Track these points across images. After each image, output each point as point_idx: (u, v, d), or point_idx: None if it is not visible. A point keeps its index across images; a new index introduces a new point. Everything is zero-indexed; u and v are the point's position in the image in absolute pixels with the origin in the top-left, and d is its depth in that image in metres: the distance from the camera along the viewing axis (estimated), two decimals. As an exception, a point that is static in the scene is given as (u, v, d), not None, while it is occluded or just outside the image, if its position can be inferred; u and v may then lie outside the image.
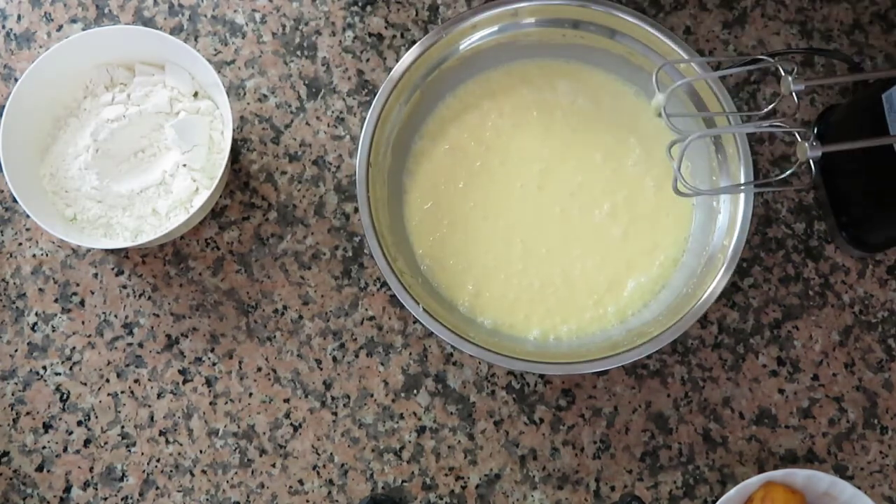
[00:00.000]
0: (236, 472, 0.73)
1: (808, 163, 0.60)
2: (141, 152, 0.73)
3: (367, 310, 0.75)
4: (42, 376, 0.74)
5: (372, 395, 0.74)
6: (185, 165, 0.72)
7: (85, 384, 0.74)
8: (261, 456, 0.73)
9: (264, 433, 0.74)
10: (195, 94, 0.75)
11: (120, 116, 0.72)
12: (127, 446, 0.74)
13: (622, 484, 0.73)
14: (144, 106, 0.73)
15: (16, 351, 0.75)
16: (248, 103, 0.78)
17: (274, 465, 0.73)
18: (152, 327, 0.75)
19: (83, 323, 0.75)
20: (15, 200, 0.76)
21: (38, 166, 0.73)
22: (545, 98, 0.76)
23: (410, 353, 0.75)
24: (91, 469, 0.73)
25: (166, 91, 0.74)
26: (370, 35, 0.80)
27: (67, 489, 0.73)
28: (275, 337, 0.75)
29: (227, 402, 0.74)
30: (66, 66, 0.73)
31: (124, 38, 0.73)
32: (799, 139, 0.61)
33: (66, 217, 0.72)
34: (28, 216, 0.75)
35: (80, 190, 0.72)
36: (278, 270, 0.76)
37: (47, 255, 0.76)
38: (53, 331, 0.75)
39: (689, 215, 0.74)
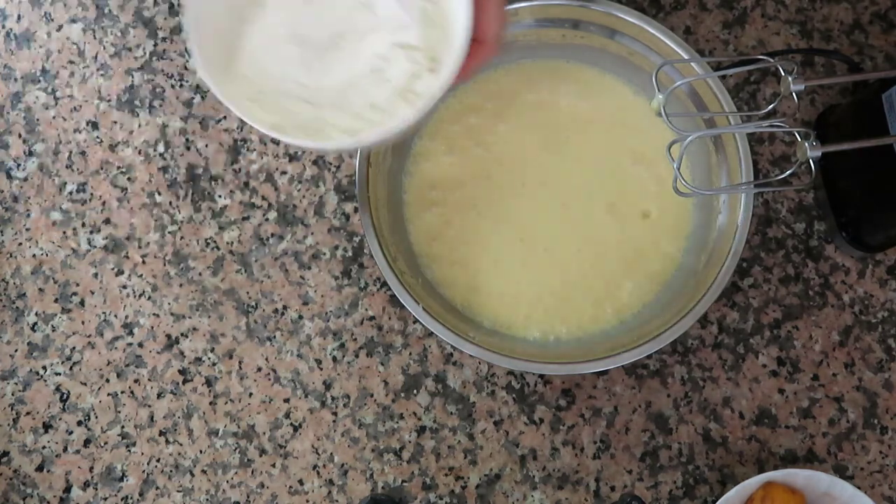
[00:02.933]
0: (236, 472, 0.73)
1: (808, 163, 0.60)
2: (341, 38, 0.59)
3: (367, 310, 0.75)
4: (42, 376, 0.74)
5: (372, 395, 0.74)
6: (399, 44, 0.58)
7: (85, 384, 0.74)
8: (261, 456, 0.73)
9: (264, 433, 0.74)
10: None
11: None
12: (127, 446, 0.74)
13: (622, 484, 0.73)
14: None
15: (16, 351, 0.75)
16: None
17: (274, 465, 0.73)
18: (152, 327, 0.75)
19: (83, 323, 0.75)
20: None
21: (228, 72, 0.58)
22: (545, 98, 0.76)
23: (410, 353, 0.75)
24: (91, 469, 0.73)
25: None
26: (370, 35, 0.80)
27: (67, 489, 0.73)
28: (275, 337, 0.75)
29: (227, 402, 0.74)
30: None
31: None
32: (799, 139, 0.61)
33: (261, 122, 0.56)
34: (29, 215, 0.76)
35: (282, 90, 0.58)
36: (278, 270, 0.76)
37: (47, 255, 0.76)
38: (53, 331, 0.75)
39: (689, 215, 0.74)
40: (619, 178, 0.75)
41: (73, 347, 0.75)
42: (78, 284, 0.76)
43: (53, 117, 0.79)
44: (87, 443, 0.74)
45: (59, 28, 0.80)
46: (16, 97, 0.79)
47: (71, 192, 0.77)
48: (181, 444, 0.74)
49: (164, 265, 0.76)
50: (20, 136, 0.78)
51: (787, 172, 0.63)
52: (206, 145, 0.78)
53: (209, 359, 0.75)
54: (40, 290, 0.76)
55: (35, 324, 0.75)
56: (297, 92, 0.58)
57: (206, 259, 0.76)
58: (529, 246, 0.74)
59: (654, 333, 0.67)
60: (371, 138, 0.55)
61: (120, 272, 0.76)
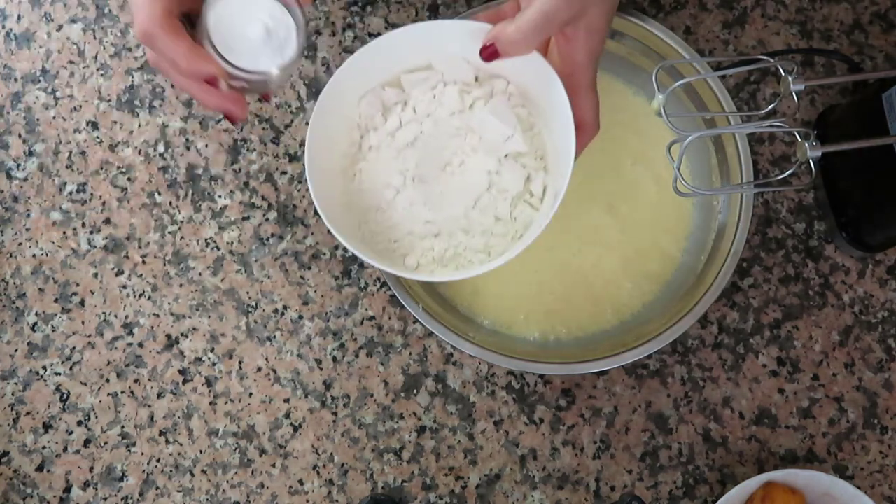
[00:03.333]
0: (236, 472, 0.73)
1: (808, 163, 0.60)
2: (449, 165, 0.62)
3: (367, 310, 0.75)
4: (42, 376, 0.74)
5: (372, 395, 0.74)
6: (506, 155, 0.61)
7: (85, 384, 0.74)
8: (261, 456, 0.73)
9: (264, 433, 0.74)
10: (475, 79, 0.63)
11: (417, 135, 0.62)
12: (127, 446, 0.74)
13: (622, 484, 0.73)
14: (438, 113, 0.62)
15: (16, 351, 0.75)
16: (249, 103, 0.78)
17: (274, 465, 0.73)
18: (152, 327, 0.75)
19: (83, 323, 0.75)
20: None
21: (351, 228, 0.62)
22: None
23: (410, 353, 0.75)
24: (91, 469, 0.73)
25: (453, 87, 0.62)
26: (370, 35, 0.80)
27: (67, 489, 0.73)
28: (275, 337, 0.75)
29: (227, 402, 0.74)
30: (332, 116, 0.61)
31: (378, 55, 0.61)
32: (799, 139, 0.61)
33: (408, 268, 0.61)
34: (29, 215, 0.76)
35: (413, 232, 0.61)
36: (278, 270, 0.76)
37: (47, 255, 0.76)
38: (53, 331, 0.75)
39: (689, 215, 0.74)
40: (619, 178, 0.75)
41: (73, 347, 0.75)
42: (78, 284, 0.76)
43: (53, 117, 0.79)
44: (87, 443, 0.74)
45: (59, 28, 0.80)
46: (16, 97, 0.79)
47: (71, 192, 0.77)
48: (181, 444, 0.74)
49: (164, 265, 0.76)
50: (20, 136, 0.78)
51: (787, 172, 0.63)
52: (206, 145, 0.78)
53: (209, 359, 0.75)
54: (40, 290, 0.76)
55: (35, 324, 0.75)
56: (426, 229, 0.61)
57: (206, 259, 0.76)
58: (530, 245, 0.74)
59: (654, 333, 0.67)
60: (514, 253, 0.57)
61: (120, 272, 0.76)
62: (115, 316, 0.75)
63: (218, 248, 0.76)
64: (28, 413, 0.74)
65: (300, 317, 0.75)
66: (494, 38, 0.56)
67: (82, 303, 0.76)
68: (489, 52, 0.56)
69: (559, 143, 0.59)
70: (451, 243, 0.61)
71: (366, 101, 0.63)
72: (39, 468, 0.73)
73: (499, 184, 0.61)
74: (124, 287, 0.76)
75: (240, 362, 0.75)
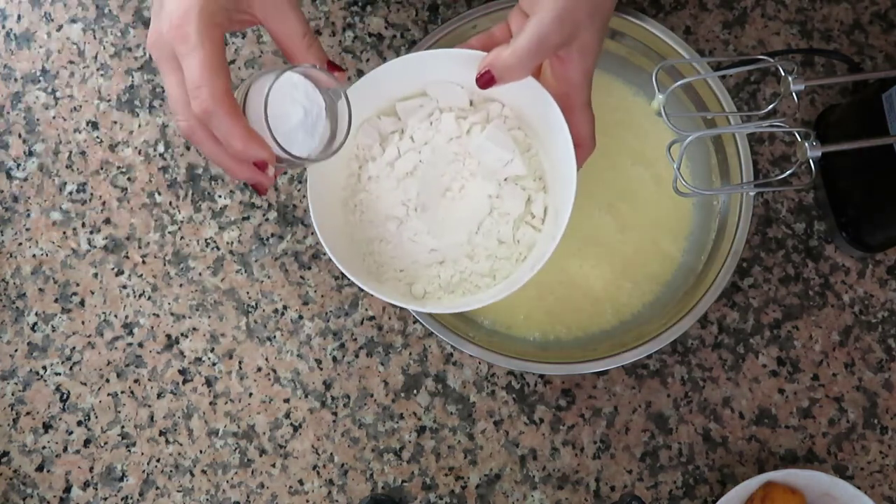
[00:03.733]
0: (236, 472, 0.73)
1: (808, 163, 0.60)
2: (449, 191, 0.62)
3: (367, 310, 0.75)
4: (42, 376, 0.74)
5: (372, 395, 0.74)
6: (505, 179, 0.61)
7: (85, 384, 0.74)
8: (261, 456, 0.73)
9: (264, 433, 0.74)
10: (471, 104, 0.64)
11: (416, 164, 0.62)
12: (127, 446, 0.74)
13: (622, 484, 0.73)
14: (435, 140, 0.62)
15: (16, 351, 0.75)
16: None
17: (274, 465, 0.73)
18: (152, 327, 0.75)
19: (83, 323, 0.75)
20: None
21: (356, 260, 0.62)
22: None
23: (410, 353, 0.75)
24: (91, 469, 0.73)
25: (448, 114, 0.62)
26: (370, 35, 0.80)
27: (67, 489, 0.73)
28: (275, 337, 0.75)
29: (227, 402, 0.74)
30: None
31: (373, 85, 0.61)
32: (799, 139, 0.61)
33: (416, 296, 0.62)
34: (29, 215, 0.76)
35: (418, 261, 0.62)
36: (278, 270, 0.76)
37: (47, 255, 0.76)
38: (53, 331, 0.75)
39: (689, 215, 0.74)
40: (618, 178, 0.75)
41: (73, 347, 0.75)
42: (78, 284, 0.76)
43: (53, 117, 0.79)
44: (87, 443, 0.74)
45: (59, 28, 0.80)
46: (16, 97, 0.79)
47: (71, 192, 0.77)
48: (181, 444, 0.74)
49: (164, 265, 0.76)
50: (20, 136, 0.78)
51: (787, 172, 0.63)
52: (206, 145, 0.78)
53: (209, 359, 0.75)
54: (40, 290, 0.76)
55: (35, 324, 0.75)
56: (431, 257, 0.62)
57: (206, 259, 0.76)
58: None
59: (654, 333, 0.67)
60: (523, 280, 0.58)
61: (120, 272, 0.76)
62: (115, 316, 0.75)
63: (218, 248, 0.76)
64: (28, 413, 0.74)
65: (300, 317, 0.75)
66: (490, 65, 0.56)
67: (82, 303, 0.76)
68: (486, 80, 0.57)
69: (559, 163, 0.59)
70: (457, 269, 0.62)
71: (362, 131, 0.63)
72: (39, 468, 0.73)
73: (500, 207, 0.61)
74: (124, 287, 0.76)
75: (240, 362, 0.75)
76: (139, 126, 0.79)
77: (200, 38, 0.50)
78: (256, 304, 0.75)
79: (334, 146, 0.56)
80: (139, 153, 0.78)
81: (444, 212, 0.62)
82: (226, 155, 0.53)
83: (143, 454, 0.73)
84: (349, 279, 0.72)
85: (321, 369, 0.74)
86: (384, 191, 0.62)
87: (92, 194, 0.77)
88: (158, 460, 0.73)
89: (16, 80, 0.79)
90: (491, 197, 0.61)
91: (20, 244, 0.76)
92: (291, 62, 0.57)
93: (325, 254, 0.76)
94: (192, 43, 0.50)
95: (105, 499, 0.73)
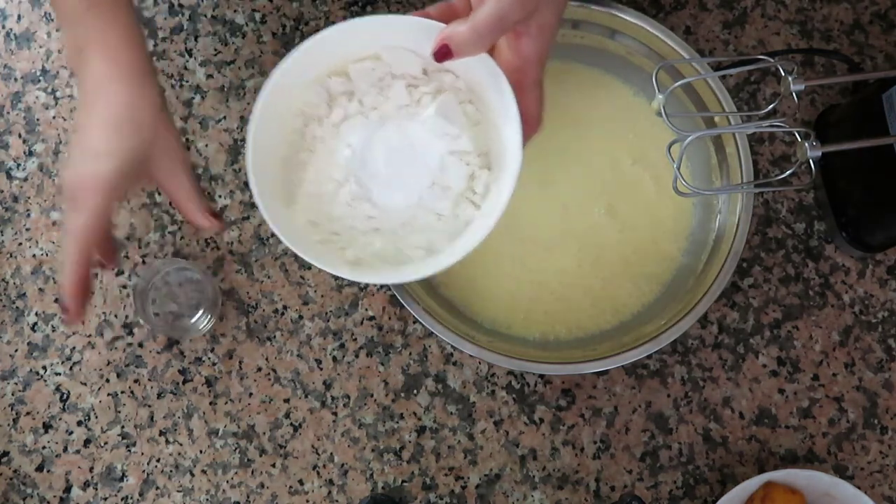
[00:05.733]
0: (236, 472, 0.73)
1: (808, 163, 0.60)
2: (392, 160, 0.61)
3: (367, 310, 0.75)
4: (42, 376, 0.74)
5: (372, 395, 0.74)
6: (450, 153, 0.60)
7: (85, 384, 0.74)
8: (261, 456, 0.73)
9: (264, 433, 0.74)
10: (424, 72, 0.61)
11: (364, 128, 0.61)
12: (127, 446, 0.74)
13: (622, 484, 0.73)
14: (384, 107, 0.61)
15: (16, 351, 0.75)
16: (248, 103, 0.78)
17: (274, 465, 0.73)
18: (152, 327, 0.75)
19: (83, 323, 0.75)
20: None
21: (293, 218, 0.61)
22: (544, 98, 0.76)
23: (410, 353, 0.75)
24: (91, 469, 0.73)
25: (400, 81, 0.60)
26: (370, 35, 0.79)
27: (67, 489, 0.73)
28: (275, 337, 0.75)
29: (227, 402, 0.74)
30: (277, 101, 0.59)
31: (327, 45, 0.59)
32: (799, 139, 0.61)
33: (348, 261, 0.59)
34: (29, 215, 0.76)
35: (355, 227, 0.60)
36: (278, 270, 0.76)
37: (47, 255, 0.76)
38: (53, 331, 0.75)
39: (689, 215, 0.74)
40: (618, 178, 0.75)
41: (73, 347, 0.75)
42: (78, 284, 0.76)
43: (53, 117, 0.79)
44: (87, 443, 0.74)
45: (59, 28, 0.80)
46: (16, 97, 0.79)
47: (71, 192, 0.77)
48: (181, 444, 0.74)
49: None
50: (20, 136, 0.78)
51: (787, 172, 0.63)
52: (206, 145, 0.78)
53: (209, 359, 0.75)
54: (40, 290, 0.76)
55: (35, 324, 0.75)
56: (368, 224, 0.60)
57: (206, 259, 0.76)
58: (529, 246, 0.74)
59: (654, 333, 0.67)
60: (454, 257, 0.57)
61: (120, 272, 0.76)
62: (115, 316, 0.75)
63: (218, 248, 0.76)
64: (28, 413, 0.74)
65: (300, 317, 0.75)
66: (447, 39, 0.56)
67: (82, 303, 0.76)
68: (442, 53, 0.56)
69: (506, 140, 0.58)
70: (393, 239, 0.60)
71: (312, 89, 0.61)
72: (39, 468, 0.73)
73: (442, 181, 0.60)
74: (124, 287, 0.76)
75: (240, 362, 0.75)
76: (139, 126, 0.78)
77: (92, 208, 0.58)
78: (256, 304, 0.75)
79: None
80: (139, 153, 0.78)
81: (385, 180, 0.60)
82: (77, 272, 0.59)
83: (143, 454, 0.73)
84: (347, 280, 0.72)
85: (321, 369, 0.74)
86: (327, 152, 0.60)
87: (92, 194, 0.77)
88: (158, 460, 0.73)
89: (16, 80, 0.79)
90: (433, 170, 0.60)
91: (20, 244, 0.76)
92: (184, 217, 0.68)
93: (325, 254, 0.76)
94: (84, 208, 0.58)
95: (105, 499, 0.73)
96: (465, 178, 0.60)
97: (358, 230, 0.60)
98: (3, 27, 0.80)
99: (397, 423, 0.74)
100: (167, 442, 0.74)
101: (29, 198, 0.77)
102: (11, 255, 0.76)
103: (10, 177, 0.78)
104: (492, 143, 0.60)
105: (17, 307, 0.75)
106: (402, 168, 0.60)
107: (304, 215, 0.60)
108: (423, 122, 0.59)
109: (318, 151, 0.61)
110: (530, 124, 0.58)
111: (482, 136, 0.61)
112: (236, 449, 0.73)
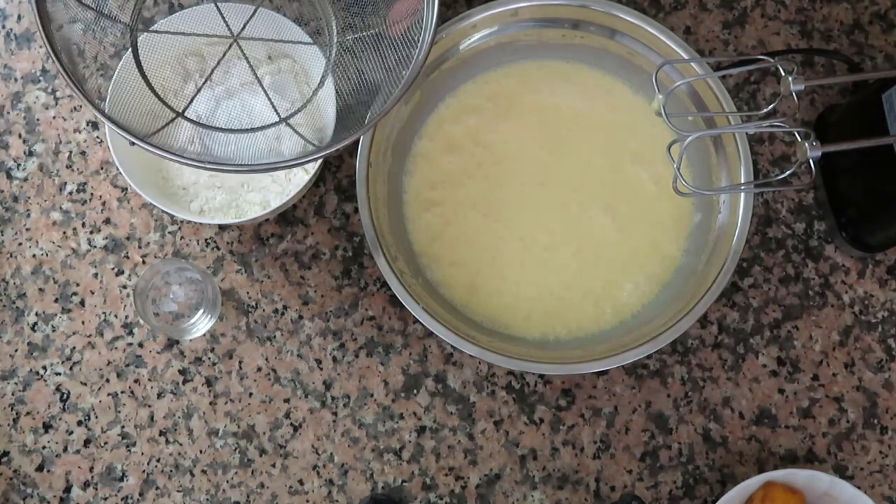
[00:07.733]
0: (236, 472, 0.73)
1: (808, 163, 0.60)
2: (233, 128, 0.71)
3: (367, 310, 0.75)
4: (42, 376, 0.74)
5: (372, 395, 0.74)
6: (285, 124, 0.70)
7: (85, 384, 0.74)
8: (261, 456, 0.73)
9: (264, 433, 0.74)
10: (269, 58, 0.75)
11: (210, 100, 0.71)
12: (127, 446, 0.74)
13: (622, 484, 0.73)
14: (230, 83, 0.72)
15: (16, 351, 0.75)
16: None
17: (274, 465, 0.73)
18: (152, 327, 0.75)
19: (83, 323, 0.75)
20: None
21: (149, 171, 0.74)
22: (544, 99, 0.76)
23: (410, 353, 0.75)
24: (91, 469, 0.73)
25: (244, 63, 0.71)
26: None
27: (67, 489, 0.73)
28: (275, 337, 0.75)
29: (227, 402, 0.74)
30: (137, 79, 0.71)
31: (185, 24, 0.72)
32: (799, 139, 0.61)
33: (193, 211, 0.74)
34: (29, 215, 0.76)
35: (199, 183, 0.74)
36: (278, 270, 0.76)
37: (47, 255, 0.76)
38: (53, 331, 0.75)
39: (689, 215, 0.74)
40: (618, 178, 0.75)
41: (73, 347, 0.75)
42: (78, 284, 0.76)
43: (53, 117, 0.79)
44: (87, 443, 0.74)
45: (59, 28, 0.80)
46: (16, 97, 0.79)
47: (71, 192, 0.78)
48: (181, 444, 0.74)
49: (164, 265, 0.76)
50: (20, 136, 0.78)
51: (787, 172, 0.63)
52: (206, 145, 0.78)
53: (209, 359, 0.75)
54: (40, 290, 0.76)
55: (35, 324, 0.75)
56: (211, 181, 0.74)
57: (206, 259, 0.76)
58: (529, 246, 0.74)
59: (654, 333, 0.67)
60: (279, 202, 0.71)
61: (120, 272, 0.76)
62: (115, 316, 0.75)
63: (218, 248, 0.76)
64: (28, 413, 0.74)
65: (300, 317, 0.75)
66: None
67: (82, 303, 0.76)
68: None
69: (331, 119, 0.70)
70: (232, 196, 0.74)
71: (169, 66, 0.73)
72: (39, 468, 0.73)
73: (277, 149, 0.70)
74: (124, 287, 0.76)
75: (240, 362, 0.75)
76: (139, 126, 0.78)
77: None
78: (256, 304, 0.75)
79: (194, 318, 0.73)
80: (139, 153, 0.78)
81: (225, 145, 0.70)
82: None
83: (143, 454, 0.73)
84: (347, 280, 0.72)
85: (321, 369, 0.74)
86: (180, 121, 0.70)
87: (92, 194, 0.77)
88: (158, 460, 0.73)
89: (16, 80, 0.79)
90: (271, 138, 0.70)
91: (20, 244, 0.76)
92: None
93: (325, 254, 0.76)
94: None
95: (105, 499, 0.73)
96: (297, 148, 0.70)
97: (202, 185, 0.74)
98: (3, 27, 0.80)
99: (397, 423, 0.74)
100: (167, 442, 0.74)
101: (29, 198, 0.77)
102: (11, 255, 0.76)
103: (10, 177, 0.78)
104: (325, 120, 0.72)
105: (17, 307, 0.75)
106: (242, 134, 0.71)
107: (158, 173, 0.74)
108: (261, 96, 0.71)
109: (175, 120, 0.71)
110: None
111: (316, 113, 0.72)
112: (236, 449, 0.73)
